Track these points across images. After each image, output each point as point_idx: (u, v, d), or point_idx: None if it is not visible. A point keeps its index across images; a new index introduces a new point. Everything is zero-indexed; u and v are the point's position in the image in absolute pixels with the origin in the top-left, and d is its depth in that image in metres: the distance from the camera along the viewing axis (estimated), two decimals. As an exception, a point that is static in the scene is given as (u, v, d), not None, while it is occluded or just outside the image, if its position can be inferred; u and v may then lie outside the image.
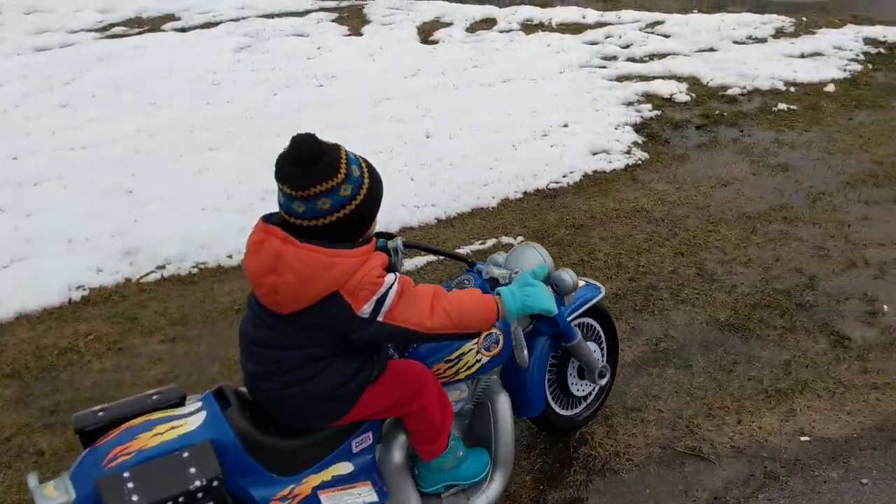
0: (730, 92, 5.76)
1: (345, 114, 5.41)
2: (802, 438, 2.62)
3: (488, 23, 7.66)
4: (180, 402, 1.95)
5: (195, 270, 3.76)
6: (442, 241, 4.01)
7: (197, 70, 6.36)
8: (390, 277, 1.82)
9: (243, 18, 7.98)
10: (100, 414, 1.88)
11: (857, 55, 6.34)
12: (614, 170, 4.72)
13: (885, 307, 3.37)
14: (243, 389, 1.99)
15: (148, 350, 3.19)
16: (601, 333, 2.69)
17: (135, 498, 1.69)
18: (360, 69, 6.36)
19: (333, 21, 7.86)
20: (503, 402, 2.29)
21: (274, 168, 1.79)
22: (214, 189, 4.39)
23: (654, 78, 6.07)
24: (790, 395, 2.83)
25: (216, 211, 4.17)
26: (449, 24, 7.65)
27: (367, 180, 1.83)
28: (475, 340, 2.17)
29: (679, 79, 6.02)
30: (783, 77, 5.91)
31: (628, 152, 4.91)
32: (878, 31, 6.81)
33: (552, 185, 4.55)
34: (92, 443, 1.82)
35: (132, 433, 1.82)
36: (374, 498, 2.06)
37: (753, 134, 5.13)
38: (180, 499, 1.72)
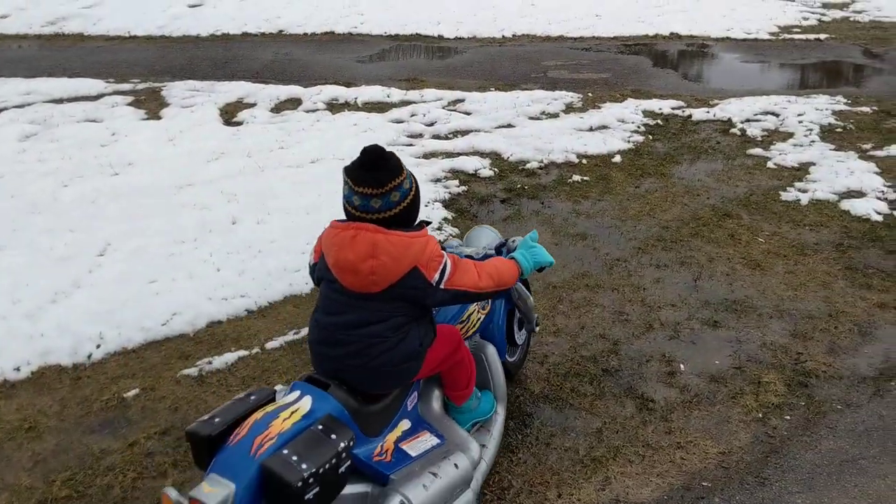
0: (529, 166, 6.07)
1: (143, 203, 5.16)
2: (618, 506, 2.71)
3: (293, 103, 7.66)
4: (273, 398, 2.36)
5: (-29, 389, 3.36)
6: (254, 334, 3.87)
7: (-28, 161, 5.84)
8: (444, 255, 2.44)
9: (29, 105, 7.47)
10: (216, 420, 2.23)
11: (639, 127, 6.93)
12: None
13: (682, 366, 3.61)
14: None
15: (-89, 490, 2.78)
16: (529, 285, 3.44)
17: (304, 466, 2.06)
18: (159, 155, 6.11)
19: (130, 105, 7.55)
20: (492, 351, 3.01)
21: (348, 179, 2.39)
22: (-4, 294, 4.00)
23: (458, 154, 6.30)
24: (604, 463, 2.93)
25: (0, 318, 3.79)
26: (253, 105, 7.57)
27: (414, 179, 2.47)
28: (477, 302, 2.88)
29: (482, 154, 6.28)
30: (575, 150, 6.33)
31: (439, 228, 5.02)
32: (654, 104, 7.50)
33: (365, 267, 4.53)
34: (217, 447, 2.16)
35: (264, 423, 2.19)
36: (437, 441, 2.65)
37: (553, 205, 5.42)
38: (333, 460, 2.15)
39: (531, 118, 7.27)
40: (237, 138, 6.53)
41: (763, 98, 7.66)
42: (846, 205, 5.36)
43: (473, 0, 12.25)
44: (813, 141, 6.56)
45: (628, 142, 6.63)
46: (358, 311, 2.43)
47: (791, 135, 6.74)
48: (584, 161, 6.21)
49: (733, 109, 7.32)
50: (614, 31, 10.55)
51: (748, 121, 7.09)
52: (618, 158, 6.24)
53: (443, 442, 2.67)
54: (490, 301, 3.06)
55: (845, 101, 7.57)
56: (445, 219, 5.17)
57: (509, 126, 7.03)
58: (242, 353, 3.70)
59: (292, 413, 2.26)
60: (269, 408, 2.27)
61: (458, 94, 7.92)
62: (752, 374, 3.57)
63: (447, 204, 5.41)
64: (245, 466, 2.10)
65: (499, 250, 3.14)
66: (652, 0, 12.39)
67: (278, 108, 7.53)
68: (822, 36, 10.32)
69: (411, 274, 2.37)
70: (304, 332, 3.87)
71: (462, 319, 2.94)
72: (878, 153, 6.25)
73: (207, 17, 11.37)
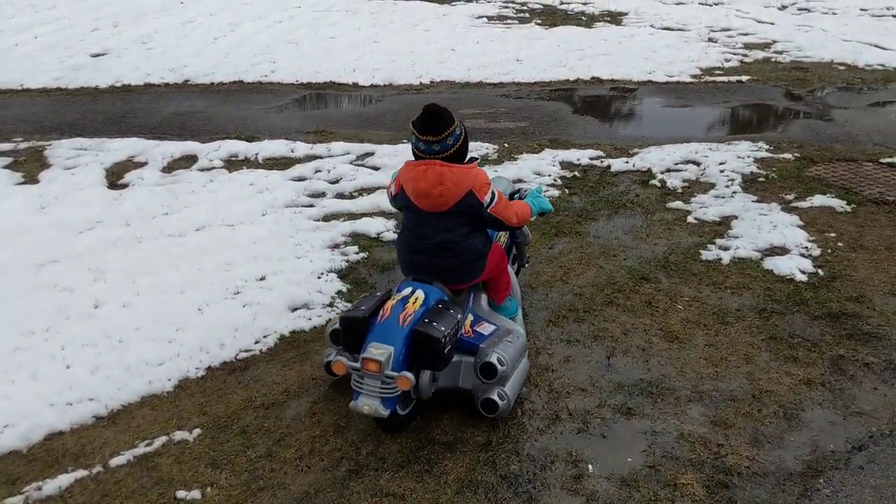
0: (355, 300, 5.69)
1: (-5, 285, 4.60)
2: None
3: (188, 160, 7.18)
4: (390, 294, 3.44)
5: None
6: (99, 447, 3.36)
7: None
8: (493, 186, 3.47)
9: None
10: (362, 307, 3.32)
11: (555, 180, 6.64)
12: (315, 327, 4.36)
13: (590, 467, 3.23)
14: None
15: None
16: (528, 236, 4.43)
17: (442, 328, 3.17)
18: (26, 225, 5.56)
19: (6, 167, 6.96)
20: (511, 269, 4.09)
21: (414, 130, 3.43)
22: None
23: (362, 215, 5.90)
24: None
25: None
26: (143, 165, 7.07)
27: (463, 126, 3.51)
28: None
29: (387, 215, 5.90)
30: (487, 208, 5.99)
31: (331, 304, 4.59)
32: (572, 155, 7.25)
33: (242, 355, 4.07)
34: (364, 326, 3.24)
35: (401, 305, 3.28)
36: (494, 327, 3.64)
37: (459, 273, 5.05)
38: (456, 325, 3.28)
39: (444, 172, 6.90)
40: (118, 204, 6.01)
41: (684, 146, 7.48)
42: (769, 263, 5.12)
43: (391, 46, 11.98)
44: (735, 192, 6.35)
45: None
46: (435, 226, 3.48)
47: (712, 185, 6.53)
48: (496, 221, 5.85)
49: (653, 159, 7.11)
50: (535, 77, 10.36)
51: (668, 171, 6.87)
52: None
53: (498, 328, 3.67)
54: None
55: (767, 147, 7.44)
56: (339, 292, 4.74)
57: (420, 182, 6.66)
58: (81, 473, 3.19)
59: (416, 300, 3.31)
60: (397, 298, 3.33)
61: (367, 146, 7.55)
62: (667, 474, 3.21)
63: (343, 274, 4.99)
64: (398, 334, 3.16)
65: (511, 196, 4.24)
66: (574, 44, 12.30)
67: (171, 167, 7.03)
68: (745, 78, 10.31)
69: (468, 195, 3.40)
70: (157, 443, 3.38)
71: (497, 239, 4.02)
72: (802, 204, 6.07)
73: (109, 67, 10.82)
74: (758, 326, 4.40)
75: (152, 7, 15.38)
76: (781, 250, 5.31)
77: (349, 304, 4.59)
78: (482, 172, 3.51)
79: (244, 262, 5.00)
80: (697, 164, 7.05)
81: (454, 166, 3.42)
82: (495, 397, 3.39)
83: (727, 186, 6.48)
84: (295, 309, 4.51)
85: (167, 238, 5.38)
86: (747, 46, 12.31)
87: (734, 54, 11.68)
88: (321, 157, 7.25)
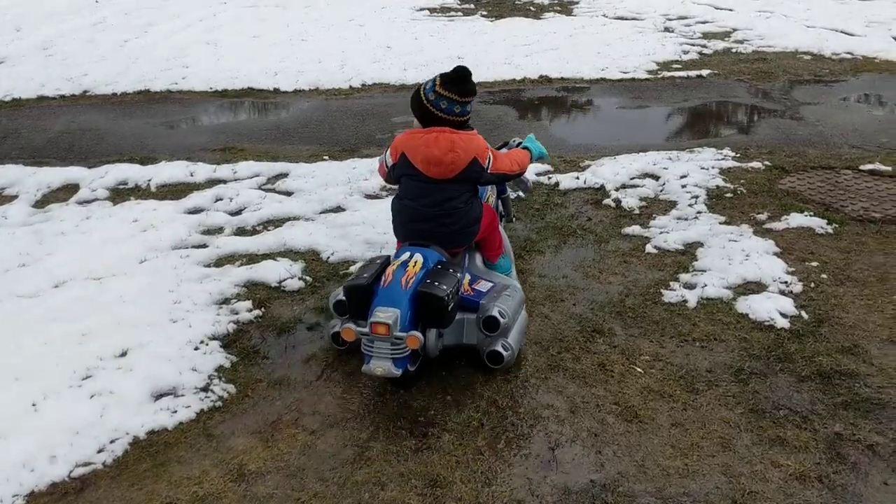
0: (354, 268, 4.85)
1: None
2: None
3: (68, 191, 6.24)
4: (389, 261, 3.66)
5: None
6: None
7: None
8: (488, 146, 3.80)
9: None
10: (364, 275, 3.54)
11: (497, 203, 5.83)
12: (181, 424, 3.49)
13: None
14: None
15: None
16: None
17: (444, 287, 3.42)
18: None
19: None
20: (501, 227, 4.45)
21: (442, 86, 3.68)
22: None
23: (263, 257, 5.03)
24: None
25: None
26: (13, 198, 6.11)
27: None
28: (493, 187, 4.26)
29: (295, 255, 5.04)
30: (412, 243, 5.15)
31: (206, 388, 3.72)
32: (515, 170, 6.44)
33: (79, 471, 3.19)
34: (367, 293, 3.47)
35: (402, 269, 3.50)
36: (490, 284, 3.93)
37: (373, 333, 4.20)
38: (457, 284, 3.54)
39: (368, 196, 6.08)
40: (-34, 253, 5.05)
41: (641, 156, 6.72)
42: (743, 305, 4.37)
43: (321, 44, 11.06)
44: (699, 212, 5.60)
45: (480, 226, 5.48)
46: (440, 193, 3.70)
47: (673, 204, 5.78)
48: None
49: (607, 173, 6.33)
50: (477, 76, 9.48)
51: (624, 187, 6.11)
52: (464, 253, 5.08)
53: (495, 284, 3.90)
54: (494, 189, 4.28)
55: (734, 154, 6.71)
56: (220, 368, 3.88)
57: (338, 210, 5.81)
58: None
59: (415, 263, 3.53)
60: (397, 263, 3.55)
61: (281, 166, 6.66)
62: None
63: (229, 341, 4.12)
64: (402, 296, 3.41)
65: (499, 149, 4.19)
66: (521, 38, 11.49)
67: (45, 201, 6.08)
68: (705, 72, 9.59)
69: (474, 161, 3.66)
70: None
71: (486, 200, 4.10)
72: (776, 225, 5.34)
73: (1, 78, 9.76)
74: (734, 395, 3.63)
75: (63, 8, 14.23)
76: (757, 286, 4.56)
77: (229, 388, 3.73)
78: (482, 139, 3.79)
79: (104, 332, 4.10)
80: (656, 177, 6.29)
81: (462, 133, 3.68)
82: (500, 348, 3.68)
83: (690, 205, 5.72)
84: (158, 396, 3.64)
85: (15, 301, 4.45)
86: (706, 36, 11.63)
87: (692, 45, 10.98)
88: (224, 182, 6.35)
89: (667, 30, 12.09)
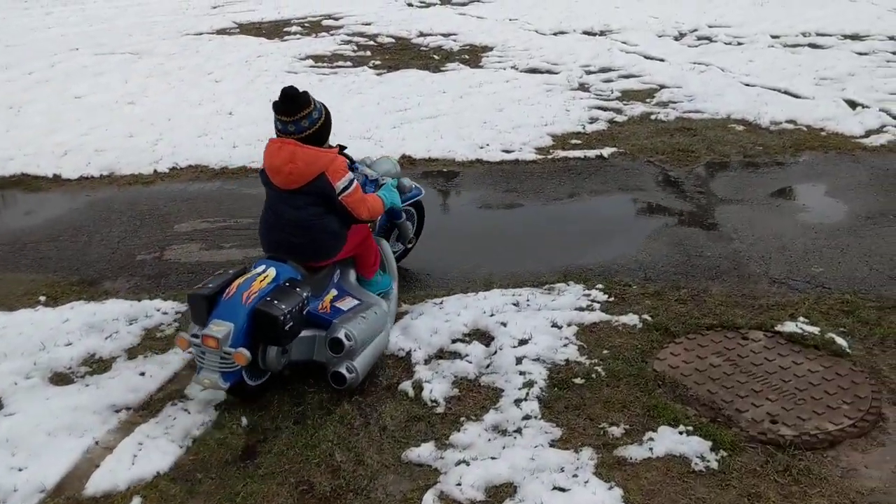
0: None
1: None
2: None
3: None
4: (245, 271, 3.89)
5: None
6: None
7: None
8: (352, 174, 4.08)
9: None
10: (210, 285, 3.78)
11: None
12: None
13: None
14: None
15: None
16: (415, 217, 5.37)
17: (283, 306, 3.62)
18: None
19: None
20: (386, 244, 4.78)
21: (274, 110, 3.95)
22: None
23: None
24: None
25: None
26: None
27: (324, 110, 4.07)
28: None
29: None
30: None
31: None
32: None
33: None
34: (212, 302, 3.70)
35: (248, 283, 3.73)
36: (356, 302, 4.20)
37: None
38: (300, 303, 3.73)
39: (56, 376, 4.19)
40: None
41: (480, 298, 4.96)
42: None
43: (150, 108, 9.23)
44: (527, 417, 3.86)
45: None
46: (289, 203, 4.02)
47: (497, 395, 4.03)
48: None
49: (422, 330, 4.56)
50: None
51: (439, 356, 4.36)
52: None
53: (360, 303, 4.22)
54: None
55: (605, 297, 4.94)
56: None
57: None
58: None
59: (265, 278, 3.78)
60: (247, 275, 3.81)
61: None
62: None
63: None
64: (239, 311, 3.63)
65: (375, 182, 4.62)
66: (401, 99, 9.74)
67: None
68: (608, 151, 7.85)
69: (321, 177, 3.94)
70: None
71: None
72: (633, 452, 3.57)
73: None
74: None
75: None
76: None
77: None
78: (340, 160, 4.04)
79: None
80: (489, 339, 4.50)
81: (308, 147, 3.94)
82: (343, 370, 3.85)
83: (519, 401, 3.96)
84: None
85: None
86: (626, 96, 9.94)
87: (605, 110, 9.28)
88: None
89: (581, 87, 10.40)
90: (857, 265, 5.35)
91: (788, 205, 6.55)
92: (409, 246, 5.37)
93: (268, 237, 4.17)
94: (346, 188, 4.01)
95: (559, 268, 5.44)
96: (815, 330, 4.45)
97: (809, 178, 7.10)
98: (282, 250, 4.06)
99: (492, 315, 4.73)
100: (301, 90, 3.95)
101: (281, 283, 3.82)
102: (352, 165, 4.48)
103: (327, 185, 3.96)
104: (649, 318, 4.64)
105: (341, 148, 4.26)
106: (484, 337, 4.54)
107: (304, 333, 3.93)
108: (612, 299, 4.91)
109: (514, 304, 4.86)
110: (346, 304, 4.18)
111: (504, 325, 4.61)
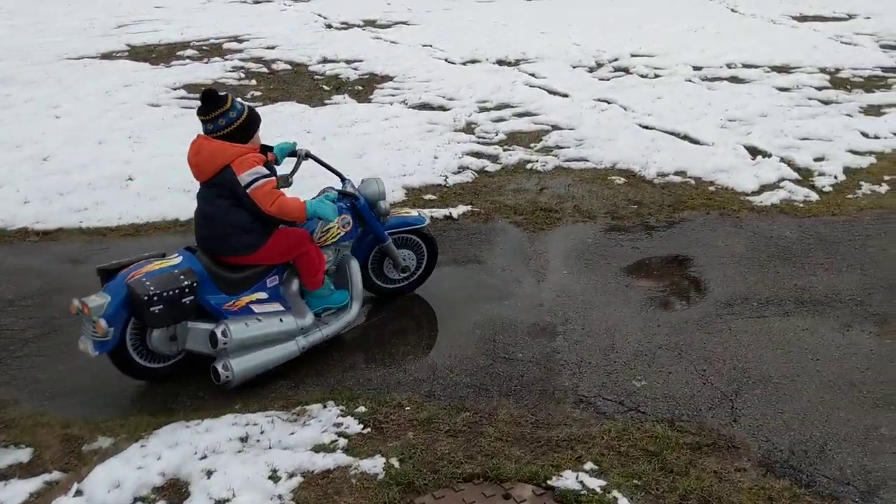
0: None
1: None
2: None
3: None
4: (163, 257, 4.18)
5: None
6: None
7: None
8: (265, 170, 4.13)
9: None
10: (113, 262, 4.14)
11: None
12: None
13: None
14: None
15: None
16: (423, 247, 5.20)
17: (152, 288, 3.84)
18: None
19: None
20: (355, 263, 4.75)
21: (197, 110, 4.22)
22: None
23: None
24: None
25: None
26: None
27: (246, 111, 4.23)
28: (337, 221, 4.56)
29: None
30: None
31: None
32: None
33: None
34: (112, 277, 4.03)
35: (141, 265, 4.05)
36: (283, 309, 4.34)
37: None
38: (176, 290, 3.90)
39: None
40: None
41: (198, 432, 3.96)
42: None
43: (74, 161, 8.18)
44: None
45: None
46: (203, 196, 4.25)
47: None
48: None
49: (97, 486, 3.53)
50: (113, 220, 6.74)
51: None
52: None
53: (281, 311, 4.32)
54: (352, 224, 4.72)
55: (360, 425, 4.02)
56: None
57: None
58: None
59: (164, 263, 4.08)
60: (151, 259, 4.14)
61: None
62: None
63: None
64: (120, 287, 3.96)
65: (351, 197, 4.74)
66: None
67: None
68: (460, 210, 6.90)
69: (225, 170, 4.08)
70: None
71: (323, 230, 4.55)
72: None
73: None
74: None
75: None
76: None
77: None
78: (252, 155, 4.16)
79: None
80: (184, 496, 3.50)
81: (215, 142, 4.13)
82: (220, 367, 4.06)
83: None
84: None
85: None
86: (510, 139, 9.07)
87: (480, 156, 8.42)
88: None
89: (467, 126, 9.50)
90: (690, 377, 4.44)
91: (638, 285, 5.62)
92: (414, 277, 5.28)
93: (194, 227, 4.39)
94: (253, 182, 4.10)
95: (328, 378, 4.47)
96: (598, 485, 3.52)
97: (677, 248, 6.20)
98: (199, 243, 4.31)
99: (203, 458, 3.75)
100: (222, 93, 4.21)
101: (174, 270, 4.05)
102: (269, 165, 4.42)
103: (230, 178, 4.09)
104: (396, 465, 3.67)
105: (266, 148, 4.48)
106: (178, 494, 3.56)
107: (200, 325, 4.15)
108: (367, 430, 3.96)
109: (242, 440, 3.89)
110: (266, 308, 4.31)
111: (210, 474, 3.63)
